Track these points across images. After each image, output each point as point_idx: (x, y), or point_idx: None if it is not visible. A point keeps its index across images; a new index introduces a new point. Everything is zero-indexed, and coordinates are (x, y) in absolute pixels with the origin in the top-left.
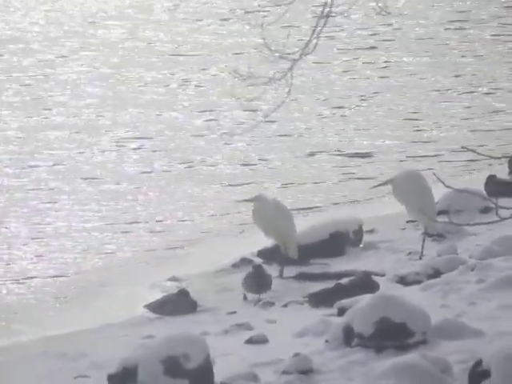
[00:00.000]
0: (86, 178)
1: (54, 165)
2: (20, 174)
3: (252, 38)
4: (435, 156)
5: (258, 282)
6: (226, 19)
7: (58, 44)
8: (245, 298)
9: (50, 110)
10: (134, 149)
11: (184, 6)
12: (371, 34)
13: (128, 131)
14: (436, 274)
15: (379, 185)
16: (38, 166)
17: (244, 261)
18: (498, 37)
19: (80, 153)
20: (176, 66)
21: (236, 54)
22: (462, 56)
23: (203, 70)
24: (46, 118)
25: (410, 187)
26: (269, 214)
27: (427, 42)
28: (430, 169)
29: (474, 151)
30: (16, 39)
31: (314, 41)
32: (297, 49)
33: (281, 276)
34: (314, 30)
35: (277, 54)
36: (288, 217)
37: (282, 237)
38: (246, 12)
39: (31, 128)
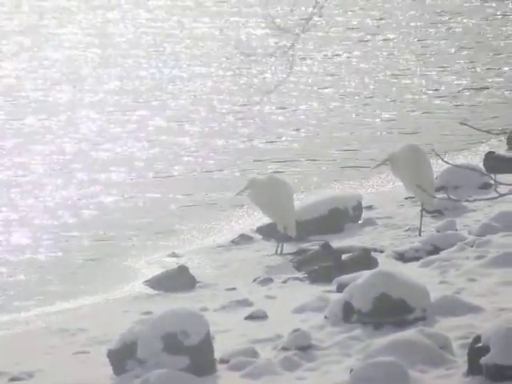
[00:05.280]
0: (85, 159)
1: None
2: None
3: (255, 12)
4: (434, 132)
5: None
6: None
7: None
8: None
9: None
10: (136, 129)
11: None
12: (375, 11)
13: (126, 111)
14: (435, 250)
15: (379, 164)
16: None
17: (243, 237)
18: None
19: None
20: (176, 41)
21: (239, 28)
22: (461, 32)
23: (204, 45)
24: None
25: (408, 162)
26: (265, 195)
27: (430, 17)
28: (428, 144)
29: (472, 127)
30: None
31: (317, 16)
32: (300, 22)
33: (280, 253)
34: (315, 5)
35: (279, 29)
36: (285, 195)
37: (280, 216)
38: None
39: None
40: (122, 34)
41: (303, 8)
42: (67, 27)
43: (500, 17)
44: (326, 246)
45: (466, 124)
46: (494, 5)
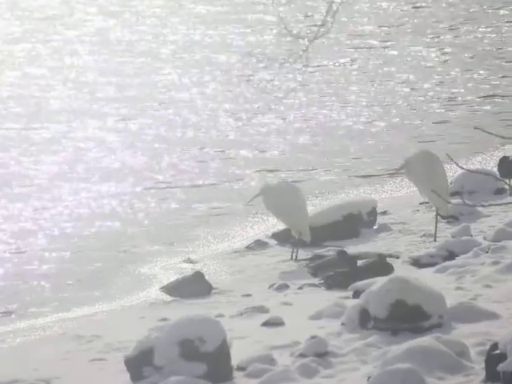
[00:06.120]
0: (102, 163)
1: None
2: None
3: (268, 18)
4: (448, 137)
5: None
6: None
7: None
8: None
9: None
10: (147, 138)
11: None
12: (388, 17)
13: (135, 120)
14: (450, 256)
15: (397, 170)
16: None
17: (258, 243)
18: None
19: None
20: (189, 46)
21: (252, 34)
22: (474, 39)
23: (217, 51)
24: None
25: (422, 168)
26: (278, 201)
27: (442, 25)
28: (443, 150)
29: (487, 131)
30: None
31: (330, 21)
32: (313, 29)
33: (295, 258)
34: (328, 10)
35: (291, 36)
36: (298, 200)
37: (293, 221)
38: None
39: None
40: (130, 43)
41: (314, 15)
42: (67, 33)
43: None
44: (342, 253)
45: (480, 129)
46: (504, 12)
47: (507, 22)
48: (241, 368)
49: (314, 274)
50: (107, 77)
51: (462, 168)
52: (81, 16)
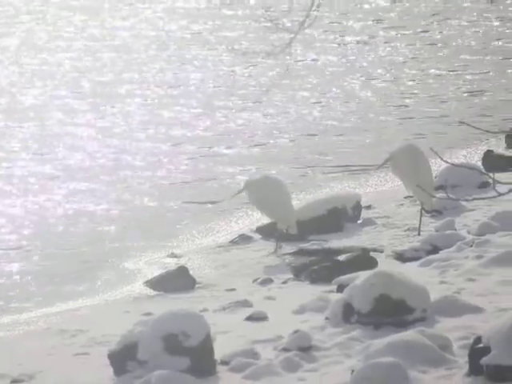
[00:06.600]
0: (85, 159)
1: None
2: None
3: (252, 10)
4: (432, 131)
5: None
6: None
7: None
8: None
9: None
10: (130, 134)
11: None
12: (370, 12)
13: (119, 117)
14: (434, 250)
15: (381, 165)
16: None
17: (243, 237)
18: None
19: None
20: (169, 42)
21: (234, 27)
22: (455, 34)
23: (198, 46)
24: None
25: (407, 162)
26: (262, 195)
27: (424, 21)
28: (427, 144)
29: (471, 125)
30: None
31: (314, 13)
32: (297, 20)
33: (275, 250)
34: (312, 3)
35: (277, 26)
36: (282, 193)
37: (279, 214)
38: None
39: None
40: (113, 38)
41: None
42: (44, 30)
43: (494, 18)
44: (327, 252)
45: (464, 123)
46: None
47: (489, 16)
48: (224, 362)
49: (297, 275)
50: (88, 75)
51: (447, 162)
52: (57, 12)
